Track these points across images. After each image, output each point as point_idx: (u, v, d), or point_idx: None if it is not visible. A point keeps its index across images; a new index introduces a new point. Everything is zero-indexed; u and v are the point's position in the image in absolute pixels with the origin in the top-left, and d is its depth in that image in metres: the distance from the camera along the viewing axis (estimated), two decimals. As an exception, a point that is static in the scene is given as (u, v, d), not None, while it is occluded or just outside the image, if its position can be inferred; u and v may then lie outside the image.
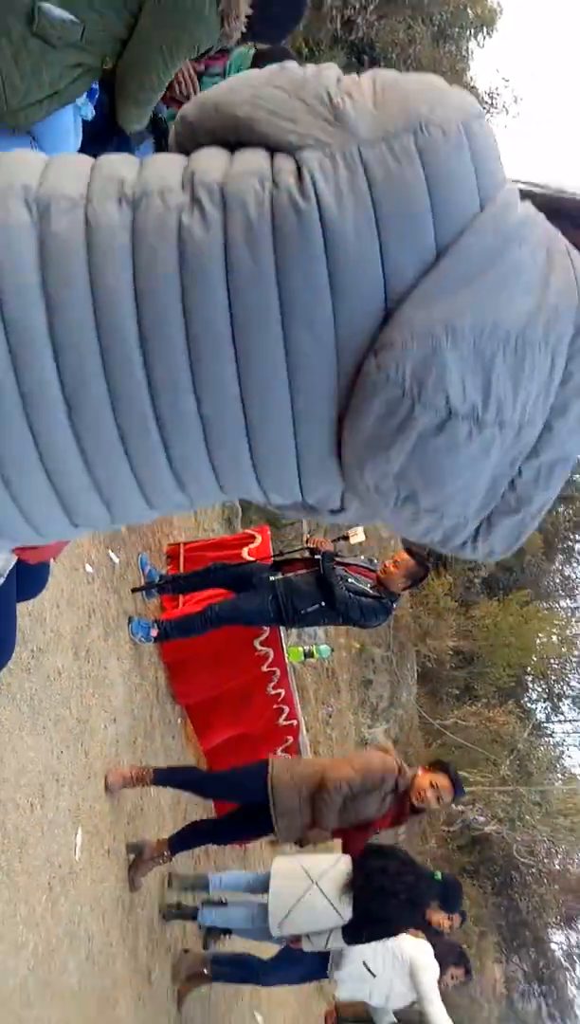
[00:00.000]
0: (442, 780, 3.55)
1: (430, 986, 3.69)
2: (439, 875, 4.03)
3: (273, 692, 4.84)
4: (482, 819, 16.70)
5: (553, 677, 21.77)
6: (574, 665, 23.36)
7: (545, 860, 18.82)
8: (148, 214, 0.76)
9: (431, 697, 20.03)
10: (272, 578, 3.99)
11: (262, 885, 3.66)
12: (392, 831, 8.14)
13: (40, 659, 2.56)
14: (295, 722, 5.15)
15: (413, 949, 3.75)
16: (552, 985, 19.35)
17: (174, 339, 0.76)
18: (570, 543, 27.06)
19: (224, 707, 4.86)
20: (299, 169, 0.75)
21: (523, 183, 0.82)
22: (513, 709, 18.45)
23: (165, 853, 3.35)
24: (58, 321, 0.75)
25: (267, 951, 4.00)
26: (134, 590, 3.81)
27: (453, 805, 16.99)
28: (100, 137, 1.77)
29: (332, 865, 3.54)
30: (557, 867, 19.38)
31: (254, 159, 0.78)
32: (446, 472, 0.77)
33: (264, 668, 4.72)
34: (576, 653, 22.54)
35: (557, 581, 29.51)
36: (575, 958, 19.40)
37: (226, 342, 0.76)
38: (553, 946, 20.18)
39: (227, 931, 4.07)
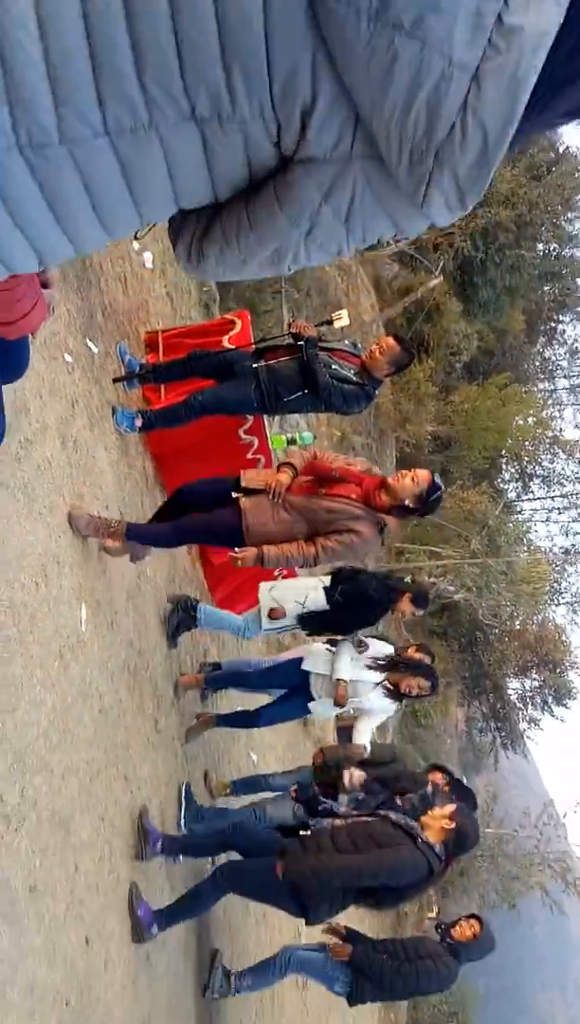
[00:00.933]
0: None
1: (375, 708, 4.16)
2: (410, 580, 4.39)
3: (245, 439, 4.85)
4: (452, 588, 17.97)
5: (526, 458, 22.42)
6: (547, 446, 23.96)
7: (507, 622, 20.65)
8: None
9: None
10: (254, 366, 3.93)
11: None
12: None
13: (29, 450, 2.58)
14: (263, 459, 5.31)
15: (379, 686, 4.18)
16: (506, 722, 22.11)
17: None
18: (553, 324, 26.54)
19: (193, 453, 4.86)
20: None
21: None
22: (486, 490, 19.20)
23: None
24: None
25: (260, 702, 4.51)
26: (115, 380, 3.75)
27: (426, 578, 18.24)
28: None
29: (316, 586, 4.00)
30: (517, 627, 21.32)
31: None
32: None
33: (249, 456, 4.78)
34: (550, 434, 23.04)
35: (537, 364, 29.35)
36: (527, 701, 21.98)
37: None
38: (509, 692, 22.78)
39: (218, 667, 4.55)
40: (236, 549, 3.48)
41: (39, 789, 2.31)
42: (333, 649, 4.19)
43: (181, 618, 4.13)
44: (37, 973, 2.16)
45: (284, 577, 4.78)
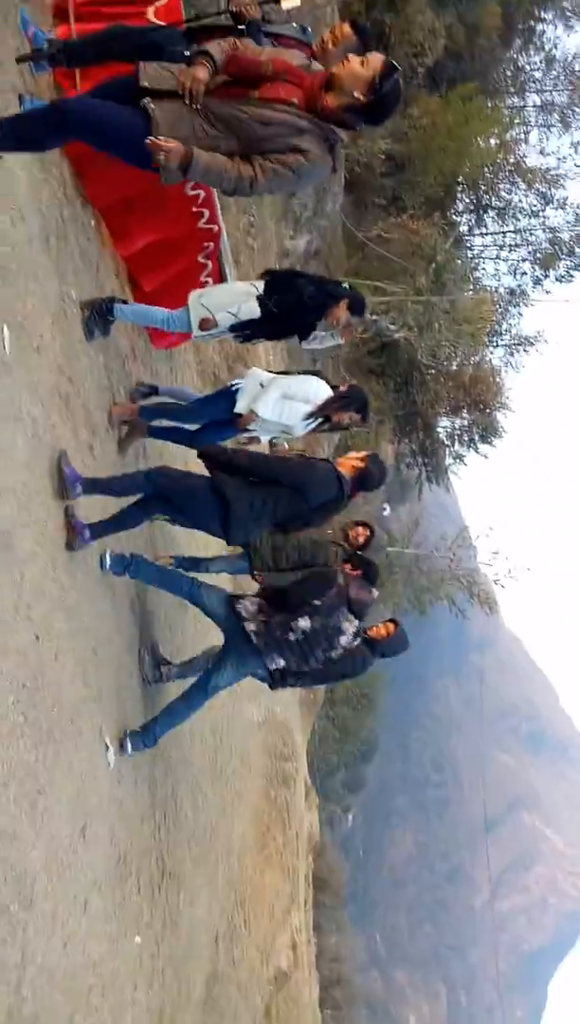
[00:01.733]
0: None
1: (290, 390, 4.22)
2: (348, 286, 4.38)
3: (191, 192, 4.55)
4: (393, 327, 17.77)
5: (483, 187, 21.07)
6: (507, 174, 22.44)
7: (445, 363, 20.86)
8: None
9: (357, 207, 19.38)
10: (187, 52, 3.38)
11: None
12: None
13: None
14: (216, 227, 4.97)
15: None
16: (433, 458, 23.34)
17: None
18: (532, 22, 23.40)
19: (140, 210, 4.59)
20: None
21: None
22: (438, 221, 18.23)
23: None
24: None
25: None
26: (19, 60, 3.20)
27: (368, 315, 17.90)
28: None
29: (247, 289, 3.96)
30: (454, 368, 21.62)
31: None
32: None
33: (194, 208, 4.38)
34: (512, 160, 21.47)
35: (509, 74, 26.36)
36: (454, 439, 23.04)
37: None
38: (439, 430, 23.74)
39: (154, 390, 4.57)
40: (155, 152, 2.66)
41: (-23, 506, 2.38)
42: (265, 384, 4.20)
43: (98, 323, 3.93)
44: (-8, 662, 2.40)
45: (213, 283, 4.64)
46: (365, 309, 4.32)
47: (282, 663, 3.96)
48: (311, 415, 4.16)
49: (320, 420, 4.19)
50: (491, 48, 21.07)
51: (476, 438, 22.77)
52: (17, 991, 2.35)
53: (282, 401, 4.12)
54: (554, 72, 26.23)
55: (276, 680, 4.07)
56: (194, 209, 4.76)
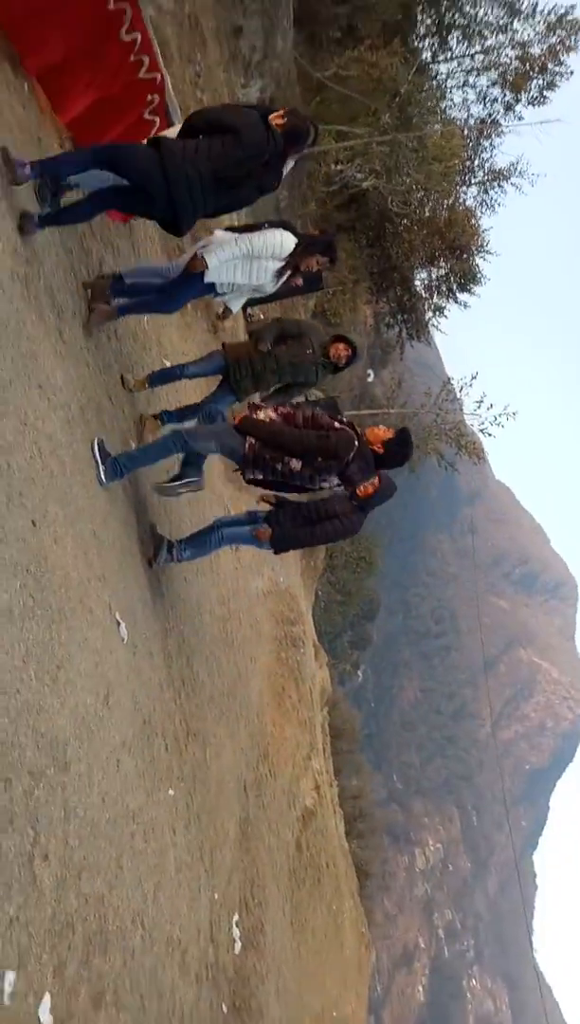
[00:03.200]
0: None
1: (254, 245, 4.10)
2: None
3: (127, 38, 4.16)
4: (360, 175, 16.82)
5: (445, 3, 19.27)
6: (469, -13, 20.53)
7: (417, 210, 19.89)
8: None
9: (310, 44, 17.79)
10: None
11: None
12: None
13: None
14: (158, 76, 4.58)
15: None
16: (412, 314, 22.74)
17: None
18: None
19: (76, 68, 4.21)
20: None
21: None
22: (398, 49, 16.81)
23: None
24: None
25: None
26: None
27: (333, 165, 16.85)
28: None
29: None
30: (427, 215, 20.65)
31: None
32: None
33: (111, 6, 3.95)
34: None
35: None
36: (433, 290, 22.35)
37: None
38: (416, 283, 22.99)
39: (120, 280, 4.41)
40: None
41: (-48, 398, 2.34)
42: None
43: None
44: (-7, 550, 2.45)
45: None
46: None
47: (260, 476, 4.10)
48: (280, 270, 4.03)
49: (289, 272, 4.07)
50: None
51: (455, 287, 22.09)
52: (65, 842, 2.56)
53: (249, 260, 3.97)
54: None
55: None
56: (133, 58, 4.37)
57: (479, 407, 18.19)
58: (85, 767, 2.83)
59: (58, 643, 2.77)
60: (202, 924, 4.18)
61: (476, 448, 18.80)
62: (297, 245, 4.01)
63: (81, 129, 4.59)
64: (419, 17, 21.04)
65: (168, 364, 6.58)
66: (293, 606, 10.82)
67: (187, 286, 4.20)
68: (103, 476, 3.74)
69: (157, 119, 4.83)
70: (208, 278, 4.08)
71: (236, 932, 4.96)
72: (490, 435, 18.41)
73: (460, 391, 19.08)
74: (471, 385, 20.85)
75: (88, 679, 3.00)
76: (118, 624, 3.56)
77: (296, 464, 4.01)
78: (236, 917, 5.09)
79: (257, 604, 9.04)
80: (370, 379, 26.88)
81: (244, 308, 12.36)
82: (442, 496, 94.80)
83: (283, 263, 4.00)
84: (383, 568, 45.19)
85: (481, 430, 18.41)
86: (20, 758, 2.35)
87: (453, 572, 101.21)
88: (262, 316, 12.51)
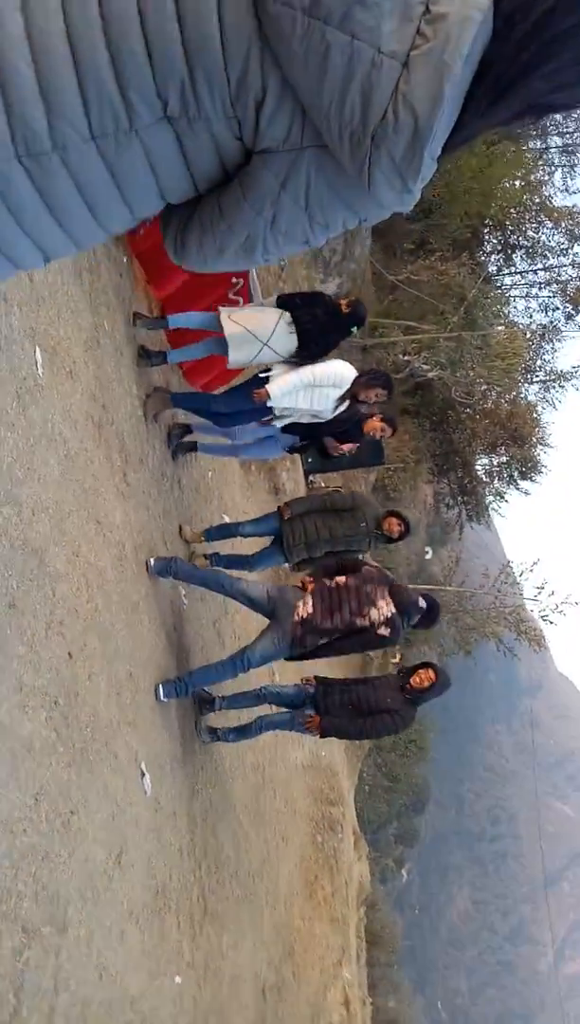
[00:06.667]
0: None
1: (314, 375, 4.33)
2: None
3: None
4: (426, 367, 17.81)
5: (510, 227, 21.27)
6: (533, 214, 22.64)
7: (479, 401, 20.80)
8: None
9: (385, 252, 19.70)
10: None
11: (219, 345, 4.18)
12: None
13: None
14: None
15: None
16: (472, 496, 23.09)
17: None
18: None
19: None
20: None
21: None
22: (466, 262, 18.38)
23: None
24: None
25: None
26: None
27: (400, 356, 18.00)
28: None
29: (276, 322, 4.00)
30: (490, 405, 21.54)
31: None
32: None
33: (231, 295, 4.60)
34: (537, 200, 21.68)
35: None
36: (494, 475, 22.80)
37: None
38: (477, 468, 23.54)
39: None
40: None
41: (9, 519, 2.40)
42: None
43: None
44: (23, 677, 2.39)
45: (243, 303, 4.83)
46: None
47: (310, 610, 3.92)
48: (341, 398, 4.23)
49: (347, 400, 4.25)
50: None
51: (516, 474, 22.50)
52: (50, 1019, 2.27)
53: (310, 389, 4.17)
54: (575, 115, 26.60)
55: (297, 638, 4.01)
56: None
57: (540, 593, 17.83)
58: (85, 933, 2.56)
59: (76, 786, 2.62)
60: None
61: (536, 635, 18.19)
62: (358, 376, 4.23)
63: (170, 302, 5.08)
64: (486, 236, 23.20)
65: (226, 519, 6.74)
66: (334, 784, 10.16)
67: (247, 412, 4.43)
68: (162, 696, 3.82)
69: (241, 300, 5.34)
70: (271, 403, 4.28)
71: None
72: (551, 623, 17.88)
73: (520, 575, 18.83)
74: (532, 571, 20.58)
75: (102, 831, 2.79)
76: (143, 775, 3.37)
77: (342, 578, 4.00)
78: None
79: (294, 777, 8.52)
80: (428, 556, 26.88)
81: (306, 474, 12.77)
82: (500, 685, 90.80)
83: (342, 392, 4.19)
84: (435, 756, 42.59)
85: (542, 616, 17.91)
86: (16, 909, 2.15)
87: (512, 769, 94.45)
88: (323, 484, 12.91)
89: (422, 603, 4.07)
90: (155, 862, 3.41)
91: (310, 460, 11.31)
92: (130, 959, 2.95)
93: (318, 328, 4.12)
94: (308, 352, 4.18)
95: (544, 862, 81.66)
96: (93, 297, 3.69)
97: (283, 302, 4.26)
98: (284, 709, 4.71)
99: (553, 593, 17.78)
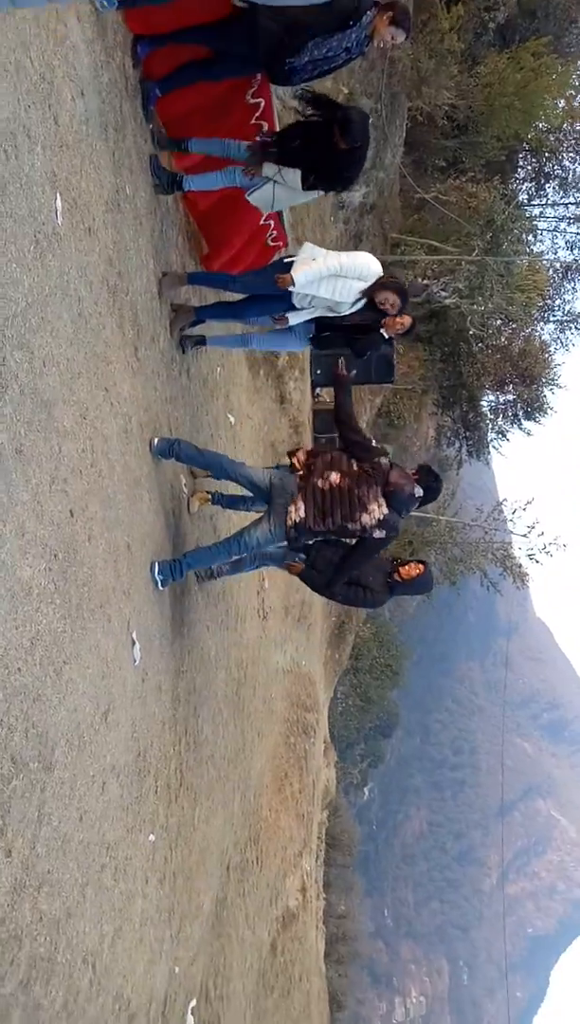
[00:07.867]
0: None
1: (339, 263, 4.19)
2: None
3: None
4: (444, 293, 17.39)
5: (546, 153, 20.41)
6: (572, 143, 21.71)
7: (494, 335, 20.42)
8: None
9: (416, 167, 18.94)
10: None
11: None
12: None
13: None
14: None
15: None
16: (475, 431, 22.99)
17: None
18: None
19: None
20: None
21: None
22: (497, 186, 17.73)
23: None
24: None
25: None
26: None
27: (419, 279, 17.51)
28: None
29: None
30: (503, 341, 21.17)
31: None
32: None
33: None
34: (578, 128, 20.74)
35: (583, 37, 25.32)
36: (499, 413, 22.65)
37: None
38: (483, 404, 23.35)
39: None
40: None
41: (20, 364, 2.36)
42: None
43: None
44: (26, 523, 2.40)
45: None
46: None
47: (303, 514, 3.95)
48: (363, 292, 4.15)
49: (364, 299, 4.17)
50: (567, 7, 20.24)
51: (521, 414, 22.34)
52: (32, 846, 2.38)
53: (335, 279, 4.06)
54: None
55: (293, 536, 4.06)
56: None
57: (530, 532, 17.99)
58: (69, 776, 2.67)
59: (69, 638, 2.68)
60: (156, 993, 3.82)
61: (521, 572, 18.46)
62: (378, 278, 4.11)
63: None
64: (521, 161, 22.28)
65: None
66: (310, 692, 10.48)
67: (269, 299, 4.34)
68: (157, 573, 3.84)
69: (281, 244, 5.66)
70: (293, 289, 4.17)
71: (190, 1020, 4.52)
72: (537, 562, 18.10)
73: (513, 513, 18.96)
74: (524, 510, 20.74)
75: (91, 686, 2.87)
76: (133, 643, 3.45)
77: (336, 477, 4.02)
78: (193, 1003, 4.65)
79: (274, 680, 8.77)
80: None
81: (312, 386, 12.60)
82: (479, 623, 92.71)
83: (366, 285, 4.08)
84: (408, 684, 43.85)
85: (529, 555, 18.13)
86: (6, 740, 2.22)
87: (479, 704, 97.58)
88: (327, 398, 12.77)
89: (418, 492, 4.06)
90: (139, 727, 3.53)
91: (319, 372, 11.16)
92: (109, 810, 3.08)
93: (306, 145, 4.00)
94: (307, 166, 4.07)
95: (502, 792, 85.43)
96: (117, 158, 3.53)
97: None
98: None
99: (543, 533, 17.95)
